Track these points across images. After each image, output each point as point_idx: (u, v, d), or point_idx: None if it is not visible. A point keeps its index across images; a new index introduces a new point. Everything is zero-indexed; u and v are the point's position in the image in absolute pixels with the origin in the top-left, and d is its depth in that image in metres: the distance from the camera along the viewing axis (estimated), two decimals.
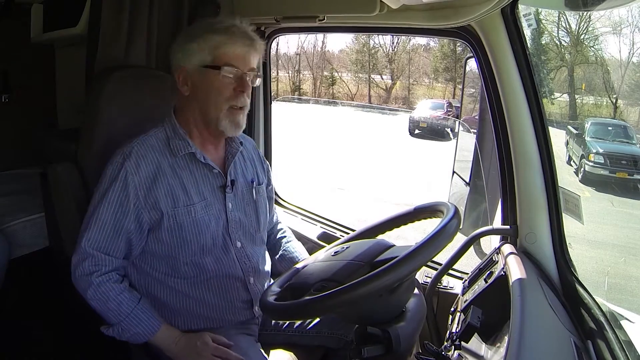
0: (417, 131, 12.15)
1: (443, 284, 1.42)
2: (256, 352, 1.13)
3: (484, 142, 1.44)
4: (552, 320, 0.94)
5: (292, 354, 1.20)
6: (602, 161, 5.96)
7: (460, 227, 0.91)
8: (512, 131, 1.16)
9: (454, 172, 1.74)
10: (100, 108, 1.23)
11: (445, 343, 0.99)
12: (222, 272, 1.15)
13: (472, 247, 1.30)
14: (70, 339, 1.60)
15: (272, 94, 1.92)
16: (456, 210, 0.92)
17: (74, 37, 1.72)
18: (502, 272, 1.05)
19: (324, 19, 1.36)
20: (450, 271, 1.41)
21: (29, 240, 1.71)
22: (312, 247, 1.46)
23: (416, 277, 1.23)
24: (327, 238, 1.64)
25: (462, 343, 0.95)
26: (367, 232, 1.12)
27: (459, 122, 1.94)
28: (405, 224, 1.09)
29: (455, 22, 1.16)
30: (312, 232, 1.69)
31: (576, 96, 11.49)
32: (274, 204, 1.41)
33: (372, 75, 18.20)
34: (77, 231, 1.11)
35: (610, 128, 7.10)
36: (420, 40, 18.69)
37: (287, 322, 1.23)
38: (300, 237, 1.45)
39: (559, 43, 12.31)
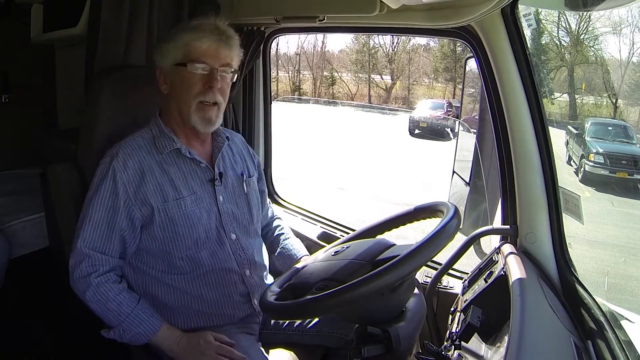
0: (417, 131, 12.15)
1: (443, 284, 1.42)
2: (257, 351, 1.13)
3: (484, 142, 1.44)
4: (552, 320, 0.94)
5: (292, 353, 1.20)
6: (602, 161, 5.95)
7: (460, 227, 0.91)
8: (512, 131, 1.16)
9: (454, 172, 1.74)
10: (100, 108, 1.24)
11: (445, 343, 0.99)
12: (218, 265, 1.16)
13: (472, 247, 1.30)
14: (71, 339, 1.60)
15: (272, 94, 1.92)
16: (456, 210, 0.92)
17: (74, 38, 1.72)
18: (502, 272, 1.05)
19: (324, 19, 1.36)
20: (450, 271, 1.41)
21: (29, 240, 1.71)
22: (312, 247, 1.45)
23: (416, 276, 1.23)
24: (327, 238, 1.64)
25: (462, 343, 0.95)
26: (367, 232, 1.12)
27: (459, 122, 1.94)
28: (405, 223, 1.09)
29: (455, 22, 1.16)
30: (312, 231, 1.69)
31: (576, 96, 11.49)
32: (274, 204, 1.41)
33: (372, 75, 18.21)
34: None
35: (610, 128, 7.08)
36: (420, 40, 18.76)
37: (287, 322, 1.23)
38: (300, 237, 1.44)
39: (559, 43, 12.32)
